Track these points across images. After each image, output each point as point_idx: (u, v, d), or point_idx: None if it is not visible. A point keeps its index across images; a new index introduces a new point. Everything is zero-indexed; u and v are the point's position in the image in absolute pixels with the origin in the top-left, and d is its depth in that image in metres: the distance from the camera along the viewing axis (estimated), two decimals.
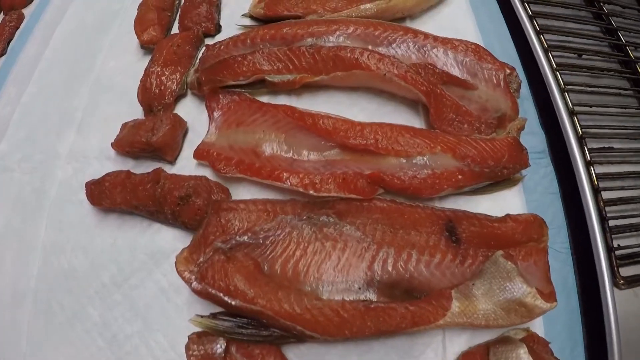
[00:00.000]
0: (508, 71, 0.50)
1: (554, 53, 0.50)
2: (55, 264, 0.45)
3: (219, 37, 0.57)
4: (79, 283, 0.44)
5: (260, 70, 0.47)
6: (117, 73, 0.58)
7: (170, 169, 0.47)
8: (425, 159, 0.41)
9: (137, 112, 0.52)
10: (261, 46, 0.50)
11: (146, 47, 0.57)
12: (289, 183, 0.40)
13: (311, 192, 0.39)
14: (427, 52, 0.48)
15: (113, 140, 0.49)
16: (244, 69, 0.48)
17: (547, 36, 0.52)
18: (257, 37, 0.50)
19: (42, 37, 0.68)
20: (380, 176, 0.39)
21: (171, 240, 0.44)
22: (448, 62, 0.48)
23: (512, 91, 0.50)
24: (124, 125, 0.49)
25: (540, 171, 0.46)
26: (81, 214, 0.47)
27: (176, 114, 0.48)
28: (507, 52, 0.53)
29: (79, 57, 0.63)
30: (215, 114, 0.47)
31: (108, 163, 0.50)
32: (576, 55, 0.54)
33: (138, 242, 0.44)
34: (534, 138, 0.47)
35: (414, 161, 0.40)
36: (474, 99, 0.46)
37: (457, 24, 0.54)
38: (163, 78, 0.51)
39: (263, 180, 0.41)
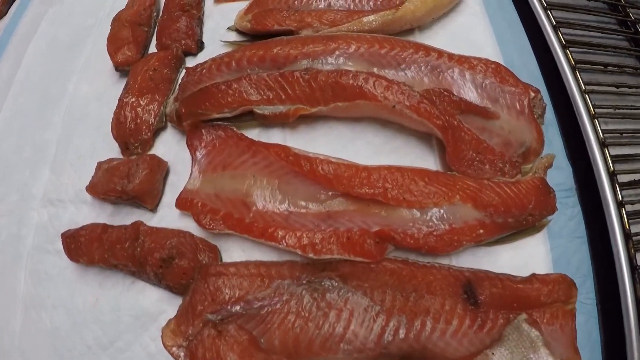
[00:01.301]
0: (532, 94, 0.39)
1: (580, 67, 0.40)
2: (37, 321, 0.39)
3: (202, 56, 0.47)
4: (64, 343, 0.38)
5: (248, 101, 0.38)
6: (90, 99, 0.48)
7: (151, 218, 0.39)
8: (442, 211, 0.32)
9: (113, 147, 0.43)
10: (248, 70, 0.39)
11: (121, 69, 0.47)
12: (284, 244, 0.32)
13: (311, 255, 0.31)
14: (441, 73, 0.38)
15: (88, 184, 0.41)
16: (229, 99, 0.38)
17: (570, 44, 0.42)
18: (243, 59, 0.40)
19: (15, 55, 0.58)
20: (391, 234, 0.31)
21: (157, 302, 0.36)
22: (466, 86, 0.38)
23: (536, 117, 0.44)
24: (99, 166, 0.41)
25: (566, 212, 0.37)
26: (60, 267, 0.40)
27: (154, 155, 0.39)
28: (528, 68, 0.44)
29: (51, 80, 0.53)
30: (198, 154, 0.38)
31: (84, 208, 0.42)
32: (602, 67, 0.44)
33: (121, 301, 0.37)
34: (560, 174, 0.39)
35: (429, 214, 0.32)
36: (496, 130, 0.37)
37: (472, 34, 0.45)
38: (139, 110, 0.41)
39: (255, 239, 0.33)
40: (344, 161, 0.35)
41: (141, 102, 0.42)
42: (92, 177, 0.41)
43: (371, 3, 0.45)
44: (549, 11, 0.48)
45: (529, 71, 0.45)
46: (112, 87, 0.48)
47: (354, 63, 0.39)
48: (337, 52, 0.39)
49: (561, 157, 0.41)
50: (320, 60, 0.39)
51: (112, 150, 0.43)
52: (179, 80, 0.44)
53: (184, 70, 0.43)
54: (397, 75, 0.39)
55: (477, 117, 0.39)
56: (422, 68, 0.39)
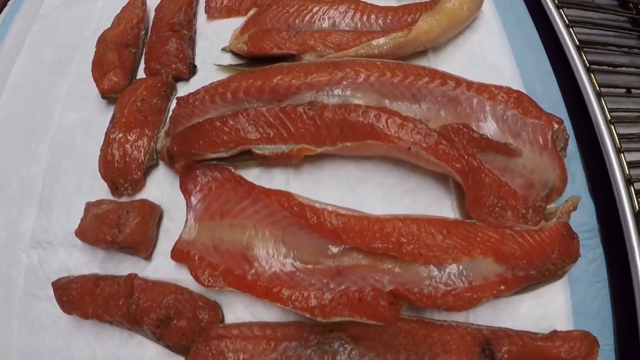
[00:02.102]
0: (556, 126, 0.34)
1: (605, 92, 0.36)
2: None
3: (195, 81, 0.41)
4: None
5: (246, 140, 0.32)
6: (77, 130, 0.43)
7: (145, 267, 0.34)
8: (461, 267, 0.28)
9: (102, 185, 0.38)
10: (246, 104, 0.34)
11: (107, 96, 0.41)
12: (291, 305, 0.28)
13: (320, 318, 0.27)
14: (459, 104, 0.33)
15: (77, 228, 0.36)
16: (225, 138, 0.33)
17: (594, 65, 0.36)
18: (239, 90, 0.34)
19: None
20: (406, 294, 0.28)
21: (156, 356, 0.32)
22: (486, 119, 0.33)
23: (558, 149, 0.35)
24: (87, 208, 0.36)
25: (588, 255, 0.33)
26: (54, 315, 0.36)
27: (145, 201, 0.35)
28: (549, 93, 0.38)
29: (36, 106, 0.47)
30: (193, 199, 0.33)
31: (75, 252, 0.37)
32: (627, 92, 0.39)
33: (120, 355, 0.33)
34: (582, 212, 0.34)
35: (447, 270, 0.28)
36: (518, 169, 0.33)
37: (489, 54, 0.39)
38: (127, 146, 0.36)
39: (258, 298, 0.29)
40: (353, 212, 0.30)
41: (129, 137, 0.36)
42: (81, 221, 0.37)
43: (380, 21, 0.39)
44: (571, 29, 0.43)
45: (550, 96, 0.39)
46: (99, 116, 0.42)
47: (363, 94, 0.34)
48: (344, 83, 0.34)
49: (584, 193, 0.36)
50: (325, 92, 0.33)
51: (101, 189, 0.38)
52: (170, 111, 0.39)
53: (175, 100, 0.37)
54: (411, 107, 0.34)
55: (498, 155, 0.35)
56: (439, 99, 0.34)
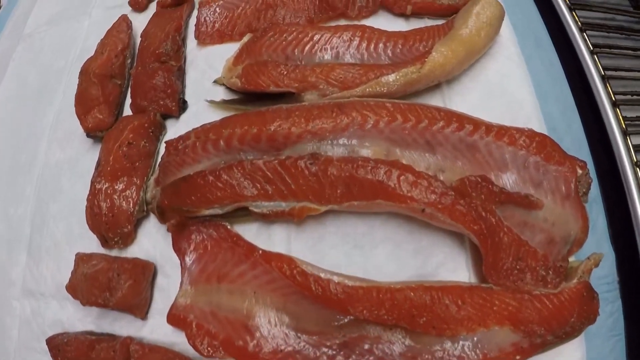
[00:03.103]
0: (580, 171, 0.30)
1: (630, 130, 0.32)
2: None
3: (186, 117, 0.35)
4: None
5: (242, 197, 0.28)
6: (63, 170, 0.38)
7: (142, 327, 0.31)
8: (475, 338, 0.25)
9: (91, 234, 0.33)
10: (241, 153, 0.29)
11: (92, 135, 0.36)
12: None
13: None
14: (477, 152, 0.29)
15: (68, 282, 0.32)
16: (218, 194, 0.28)
17: (621, 103, 0.32)
18: (233, 138, 0.29)
19: None
20: None
21: None
22: (506, 167, 0.29)
23: (580, 195, 0.30)
24: (77, 262, 0.32)
25: (606, 309, 0.30)
26: None
27: (137, 261, 0.31)
28: (571, 129, 0.34)
29: (22, 139, 0.42)
30: (188, 260, 0.29)
31: (68, 306, 0.33)
32: None
33: None
34: (603, 264, 0.29)
35: (460, 342, 0.25)
36: (539, 224, 0.28)
37: (507, 84, 0.34)
38: (115, 197, 0.31)
39: None
40: (361, 282, 0.26)
41: (116, 187, 0.32)
42: (72, 275, 0.32)
43: (389, 52, 0.33)
44: (595, 56, 0.38)
45: (572, 131, 0.34)
46: (85, 155, 0.37)
47: (372, 143, 0.29)
48: (350, 130, 0.28)
49: (604, 242, 0.32)
50: (329, 142, 0.28)
51: (90, 239, 0.34)
52: (159, 154, 0.34)
53: (164, 145, 0.32)
54: (425, 156, 0.29)
55: (517, 209, 0.31)
56: (455, 145, 0.29)
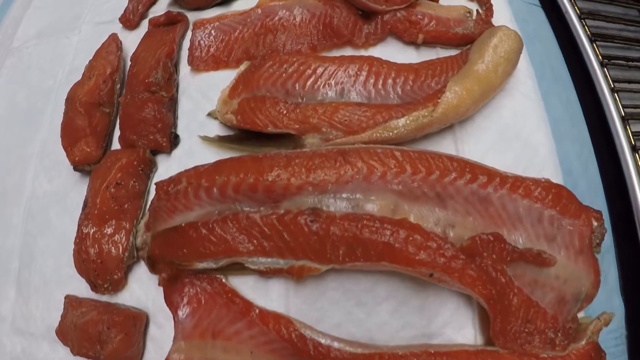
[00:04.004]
0: (595, 223, 0.27)
1: None
2: None
3: (178, 153, 0.32)
4: None
5: (237, 252, 0.25)
6: (51, 203, 0.34)
7: None
8: None
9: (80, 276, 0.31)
10: (236, 204, 0.26)
11: (80, 168, 0.32)
12: None
13: None
14: (490, 206, 0.26)
15: (57, 326, 0.29)
16: (212, 248, 0.25)
17: None
18: (228, 186, 0.26)
19: None
20: None
21: None
22: (520, 222, 0.26)
23: (594, 246, 0.27)
24: (67, 307, 0.29)
25: None
26: None
27: (128, 313, 0.28)
28: (587, 173, 0.31)
29: (9, 164, 0.39)
30: (181, 314, 0.26)
31: (59, 349, 0.31)
32: None
33: None
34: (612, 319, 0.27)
35: None
36: (550, 282, 0.26)
37: (523, 125, 0.30)
38: (103, 242, 0.28)
39: None
40: (364, 348, 0.24)
41: (105, 231, 0.28)
42: (61, 319, 0.29)
43: (398, 89, 0.29)
44: (616, 94, 0.34)
45: (588, 176, 0.31)
46: (73, 189, 0.34)
47: (378, 196, 0.25)
48: (355, 182, 0.25)
49: (615, 295, 0.30)
50: (331, 195, 0.25)
51: (80, 281, 0.30)
52: (149, 196, 0.30)
53: (154, 187, 0.28)
54: (434, 211, 0.26)
55: (529, 266, 0.28)
56: (467, 199, 0.26)
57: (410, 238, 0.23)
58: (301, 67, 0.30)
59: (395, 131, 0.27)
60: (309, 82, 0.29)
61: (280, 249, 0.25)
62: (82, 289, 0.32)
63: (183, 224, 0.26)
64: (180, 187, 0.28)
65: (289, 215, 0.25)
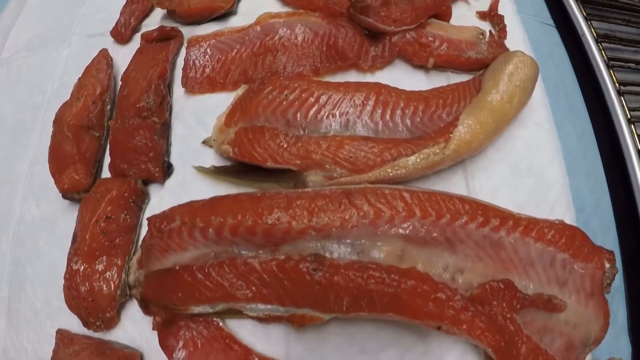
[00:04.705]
0: (607, 265, 0.25)
1: None
2: None
3: (171, 184, 0.29)
4: None
5: (234, 298, 0.23)
6: (40, 230, 0.32)
7: None
8: None
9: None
10: (233, 247, 0.23)
11: (69, 196, 0.30)
12: None
13: None
14: (501, 250, 0.23)
15: None
16: (208, 294, 0.23)
17: None
18: (224, 228, 0.23)
19: None
20: None
21: None
22: (532, 267, 0.24)
23: (604, 286, 0.25)
24: (58, 343, 0.27)
25: None
26: None
27: (121, 353, 0.25)
28: (600, 208, 0.29)
29: None
30: (176, 358, 0.24)
31: None
32: None
33: None
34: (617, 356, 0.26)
35: None
36: (559, 327, 0.24)
37: (536, 158, 0.28)
38: (94, 280, 0.26)
39: None
40: None
41: (95, 267, 0.26)
42: (53, 354, 0.27)
43: (407, 121, 0.26)
44: (632, 125, 0.31)
45: (601, 212, 0.29)
46: (62, 216, 0.31)
47: (385, 242, 0.23)
48: (360, 226, 0.22)
49: (623, 335, 0.28)
50: (334, 241, 0.22)
51: (71, 315, 0.28)
52: (142, 229, 0.28)
53: (147, 222, 0.25)
54: (443, 256, 0.23)
55: (539, 312, 0.26)
56: (479, 243, 0.23)
57: (419, 289, 0.21)
58: (303, 95, 0.27)
59: (404, 170, 0.24)
60: (311, 112, 0.26)
61: (280, 296, 0.23)
62: (73, 323, 0.30)
63: (177, 267, 0.24)
64: (174, 225, 0.25)
65: (289, 263, 0.22)
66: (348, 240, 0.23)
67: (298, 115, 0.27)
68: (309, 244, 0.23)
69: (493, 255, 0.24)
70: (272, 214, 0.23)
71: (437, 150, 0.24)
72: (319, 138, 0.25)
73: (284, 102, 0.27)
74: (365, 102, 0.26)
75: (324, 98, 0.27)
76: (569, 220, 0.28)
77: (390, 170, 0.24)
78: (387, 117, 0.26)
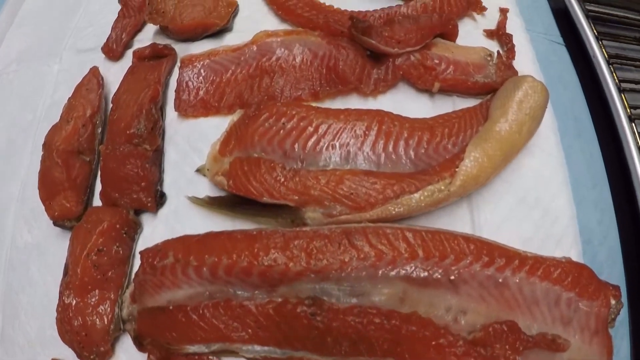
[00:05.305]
0: (613, 302, 0.23)
1: None
2: None
3: (165, 213, 0.27)
4: None
5: (229, 339, 0.21)
6: (32, 257, 0.30)
7: None
8: None
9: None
10: (228, 288, 0.22)
11: (60, 224, 0.28)
12: None
13: None
14: (506, 290, 0.22)
15: None
16: (202, 335, 0.22)
17: None
18: (219, 267, 0.22)
19: None
20: None
21: None
22: (536, 307, 0.22)
23: (608, 321, 0.24)
24: None
25: None
26: None
27: None
28: (607, 239, 0.27)
29: None
30: None
31: None
32: None
33: None
34: None
35: None
36: None
37: (543, 188, 0.26)
38: (87, 313, 0.24)
39: None
40: None
41: (88, 301, 0.24)
42: None
43: (411, 153, 0.24)
44: None
45: (608, 243, 0.27)
46: (54, 243, 0.29)
47: (385, 285, 0.21)
48: (360, 269, 0.21)
49: None
50: (333, 282, 0.21)
51: (64, 347, 0.28)
52: (135, 260, 0.26)
53: (139, 256, 0.24)
54: (446, 297, 0.22)
55: (541, 351, 0.26)
56: (483, 283, 0.22)
57: (420, 335, 0.20)
58: (301, 123, 0.25)
59: (407, 207, 0.22)
60: (310, 143, 0.24)
61: (277, 339, 0.21)
62: (67, 353, 0.29)
63: (171, 307, 0.22)
64: (167, 262, 0.23)
65: (287, 306, 0.21)
66: (347, 283, 0.21)
67: (296, 146, 0.25)
68: (307, 285, 0.22)
69: (497, 295, 0.23)
70: (269, 254, 0.22)
71: (442, 187, 0.22)
72: (318, 172, 0.23)
73: (281, 131, 0.25)
74: (367, 132, 0.24)
75: (323, 127, 0.25)
76: (576, 253, 0.26)
77: (392, 207, 0.22)
78: (390, 148, 0.24)
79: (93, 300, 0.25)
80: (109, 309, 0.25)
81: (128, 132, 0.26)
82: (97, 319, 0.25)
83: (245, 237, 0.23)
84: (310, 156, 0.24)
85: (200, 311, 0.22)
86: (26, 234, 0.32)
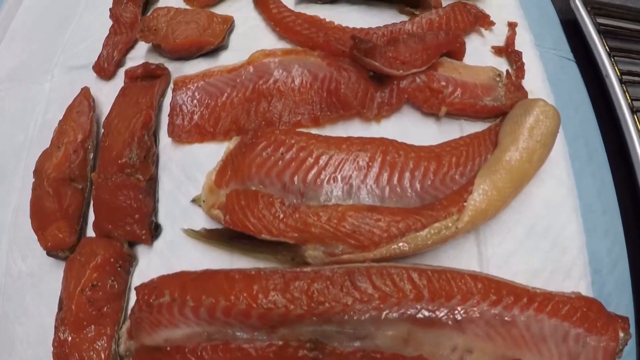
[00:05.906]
0: (621, 334, 0.22)
1: None
2: None
3: (160, 246, 0.25)
4: None
5: None
6: (26, 286, 0.28)
7: None
8: None
9: None
10: (227, 329, 0.20)
11: (53, 254, 0.26)
12: None
13: None
14: (513, 328, 0.21)
15: None
16: None
17: None
18: (216, 309, 0.20)
19: None
20: None
21: None
22: (544, 343, 0.21)
23: (616, 352, 0.22)
24: None
25: None
26: None
27: None
28: (616, 268, 0.25)
29: None
30: None
31: None
32: None
33: None
34: None
35: None
36: None
37: (553, 218, 0.24)
38: (83, 349, 0.23)
39: None
40: None
41: (84, 337, 0.23)
42: None
43: (417, 185, 0.22)
44: None
45: (617, 273, 0.26)
46: (49, 272, 0.28)
47: (389, 327, 0.20)
48: (363, 312, 0.19)
49: None
50: (335, 327, 0.19)
51: None
52: (131, 293, 0.24)
53: (135, 293, 0.22)
54: (452, 337, 0.20)
55: None
56: (489, 321, 0.21)
57: None
58: (301, 154, 0.23)
59: (412, 246, 0.21)
60: (310, 175, 0.23)
61: None
62: None
63: (169, 348, 0.21)
64: (163, 300, 0.22)
65: (288, 350, 0.20)
66: (350, 326, 0.20)
67: (295, 178, 0.23)
68: (308, 328, 0.20)
69: (504, 333, 0.21)
70: (268, 297, 0.20)
71: (450, 224, 0.21)
72: (319, 208, 0.22)
73: (280, 162, 0.23)
74: (370, 163, 0.23)
75: (324, 158, 0.23)
76: (585, 284, 0.25)
77: (397, 247, 0.21)
78: (395, 181, 0.23)
79: (89, 335, 0.24)
80: (105, 344, 0.24)
81: (120, 161, 0.24)
82: (94, 355, 0.24)
83: (243, 278, 0.21)
84: (311, 190, 0.23)
85: (199, 353, 0.20)
86: (20, 263, 0.31)
